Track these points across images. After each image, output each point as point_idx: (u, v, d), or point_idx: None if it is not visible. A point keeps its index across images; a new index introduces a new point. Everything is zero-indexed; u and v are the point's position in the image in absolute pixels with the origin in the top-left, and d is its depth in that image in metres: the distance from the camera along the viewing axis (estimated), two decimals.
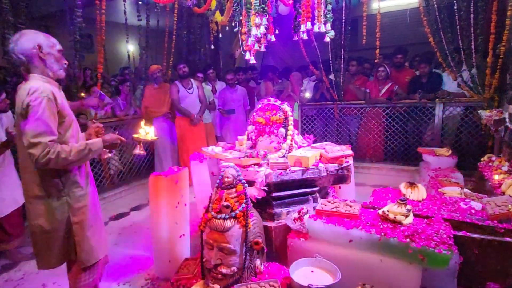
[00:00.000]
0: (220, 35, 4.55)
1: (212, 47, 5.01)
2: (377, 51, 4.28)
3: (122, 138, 1.98)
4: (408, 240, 2.02)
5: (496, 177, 2.96)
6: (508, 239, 2.14)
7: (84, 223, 1.85)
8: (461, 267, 2.13)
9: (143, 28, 4.77)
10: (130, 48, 5.30)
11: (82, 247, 1.85)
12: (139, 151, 2.06)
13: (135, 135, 2.05)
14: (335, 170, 2.58)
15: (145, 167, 4.89)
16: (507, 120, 3.25)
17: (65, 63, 1.88)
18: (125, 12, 4.34)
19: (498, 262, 2.16)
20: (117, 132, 4.34)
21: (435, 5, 3.90)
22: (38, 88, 1.64)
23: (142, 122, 2.13)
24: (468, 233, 2.22)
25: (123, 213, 3.92)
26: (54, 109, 1.68)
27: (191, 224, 2.73)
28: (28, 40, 1.71)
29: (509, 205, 2.36)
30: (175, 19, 4.87)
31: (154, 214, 2.46)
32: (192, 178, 2.97)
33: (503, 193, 2.68)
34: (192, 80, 4.69)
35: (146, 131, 2.06)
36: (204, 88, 4.83)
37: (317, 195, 2.67)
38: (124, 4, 4.33)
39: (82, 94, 3.81)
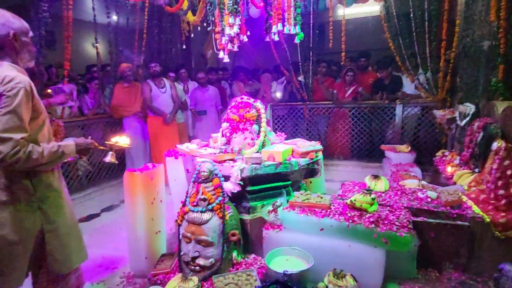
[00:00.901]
0: (192, 35, 4.58)
1: (184, 47, 5.02)
2: (343, 54, 4.53)
3: (96, 144, 1.82)
4: (373, 225, 2.20)
5: (449, 169, 3.27)
6: (460, 222, 2.39)
7: (59, 230, 1.66)
8: (420, 249, 2.35)
9: (112, 26, 4.67)
10: (97, 46, 5.17)
11: (55, 257, 1.66)
12: (110, 158, 1.91)
13: (107, 142, 1.92)
14: (306, 164, 2.73)
15: (115, 168, 4.78)
16: (458, 118, 3.60)
17: (34, 51, 1.71)
18: (93, 9, 4.24)
19: (451, 244, 2.41)
20: (84, 131, 4.24)
21: (394, 13, 4.22)
22: (15, 77, 1.46)
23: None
24: (425, 219, 2.45)
25: (93, 214, 3.81)
26: (29, 102, 1.50)
27: (167, 220, 2.75)
28: (1, 25, 1.52)
29: (460, 193, 2.63)
30: (146, 17, 4.82)
31: (129, 211, 2.45)
32: (167, 176, 2.98)
33: (455, 183, 2.98)
34: (164, 79, 4.68)
35: (120, 139, 1.95)
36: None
37: (290, 188, 2.80)
38: (93, 1, 4.23)
39: (49, 91, 3.67)
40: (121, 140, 1.93)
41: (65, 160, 1.73)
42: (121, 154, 4.83)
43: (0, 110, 1.43)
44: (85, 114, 4.50)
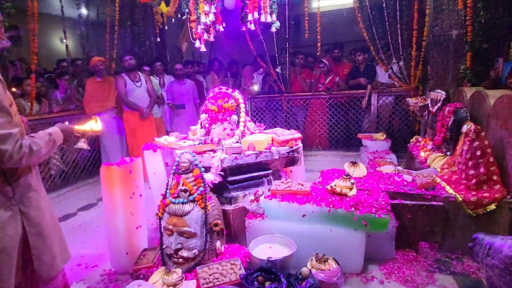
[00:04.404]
0: (166, 27, 4.46)
1: (158, 39, 4.88)
2: (319, 44, 4.58)
3: (78, 130, 1.74)
4: (353, 209, 2.25)
5: (422, 154, 3.40)
6: (434, 203, 2.50)
7: (43, 232, 1.55)
8: (398, 230, 2.43)
9: (82, 19, 4.48)
10: (66, 40, 4.96)
11: (42, 260, 1.54)
12: (82, 144, 1.83)
13: (78, 127, 1.80)
14: (286, 152, 2.74)
15: (90, 166, 4.61)
16: (430, 105, 3.73)
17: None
18: (60, 0, 4.04)
19: (427, 224, 2.51)
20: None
21: (368, 4, 4.30)
22: None
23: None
24: (402, 201, 2.53)
25: (69, 214, 3.68)
26: (6, 91, 1.40)
27: (148, 215, 2.69)
28: None
29: (433, 176, 2.74)
30: (117, 9, 4.65)
31: (108, 206, 2.38)
32: (146, 170, 2.90)
33: (429, 166, 3.10)
34: (139, 73, 4.54)
35: (93, 124, 1.86)
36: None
37: (271, 177, 2.81)
38: None
39: (14, 89, 3.48)
40: (94, 125, 1.84)
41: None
42: (96, 151, 4.68)
43: None
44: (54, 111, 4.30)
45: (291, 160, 2.86)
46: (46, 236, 1.58)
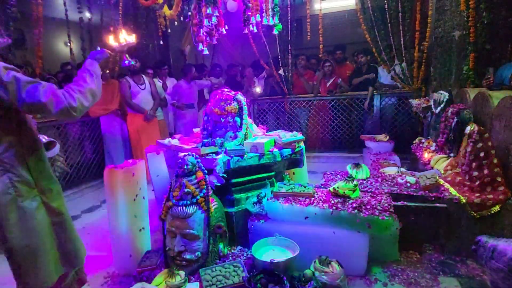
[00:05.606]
0: (169, 30, 4.49)
1: (161, 42, 4.91)
2: (321, 46, 4.58)
3: (108, 51, 1.74)
4: (356, 211, 2.25)
5: (426, 155, 3.39)
6: (438, 204, 2.48)
7: (66, 223, 1.65)
8: (401, 232, 2.42)
9: (85, 22, 4.52)
10: (70, 44, 5.00)
11: (65, 251, 1.65)
12: (130, 60, 1.89)
13: (116, 44, 1.80)
14: (289, 154, 2.74)
15: (94, 168, 4.64)
16: (433, 106, 3.72)
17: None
18: (65, 4, 4.08)
19: (430, 226, 2.50)
20: (60, 131, 4.08)
21: (370, 6, 4.30)
22: None
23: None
24: (405, 203, 2.52)
25: (73, 216, 3.68)
26: None
27: (151, 217, 2.70)
28: None
29: (437, 177, 2.73)
30: (120, 12, 4.69)
31: (111, 209, 2.39)
32: (149, 172, 2.92)
33: (432, 168, 3.09)
34: (143, 76, 4.58)
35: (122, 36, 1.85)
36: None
37: (274, 179, 2.81)
38: None
39: None
40: (123, 37, 1.84)
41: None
42: (100, 154, 4.69)
43: (8, 83, 1.37)
44: None
45: (293, 162, 2.86)
46: (69, 227, 1.66)
